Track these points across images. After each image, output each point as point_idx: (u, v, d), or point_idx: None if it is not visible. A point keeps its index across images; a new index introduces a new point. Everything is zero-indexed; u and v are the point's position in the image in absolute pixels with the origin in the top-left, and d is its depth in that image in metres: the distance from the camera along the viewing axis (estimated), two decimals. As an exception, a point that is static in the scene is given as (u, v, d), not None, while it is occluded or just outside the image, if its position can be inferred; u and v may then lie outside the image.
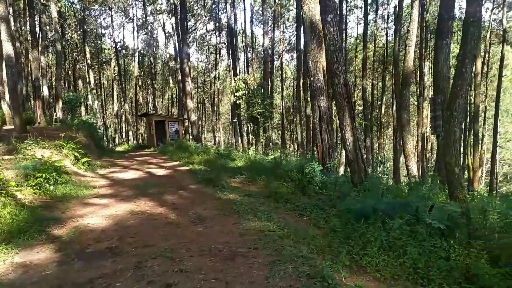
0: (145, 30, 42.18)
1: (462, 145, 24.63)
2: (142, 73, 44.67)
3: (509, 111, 37.67)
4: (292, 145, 39.95)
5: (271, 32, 33.15)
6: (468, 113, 22.41)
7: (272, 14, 32.92)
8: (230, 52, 30.21)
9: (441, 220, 4.38)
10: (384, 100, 30.17)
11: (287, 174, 8.90)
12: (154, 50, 45.63)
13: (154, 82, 43.94)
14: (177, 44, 32.81)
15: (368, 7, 25.69)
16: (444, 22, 7.99)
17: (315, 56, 9.62)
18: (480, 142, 27.24)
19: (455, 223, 4.26)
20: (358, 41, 33.44)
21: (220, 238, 5.43)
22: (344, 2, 28.43)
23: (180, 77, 31.37)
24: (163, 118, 27.71)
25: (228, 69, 40.41)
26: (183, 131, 28.14)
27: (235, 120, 26.66)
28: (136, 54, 40.19)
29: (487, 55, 27.92)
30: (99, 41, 40.23)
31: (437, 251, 4.01)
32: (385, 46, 29.61)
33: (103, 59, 41.88)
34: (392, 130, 29.03)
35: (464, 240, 4.06)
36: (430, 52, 26.63)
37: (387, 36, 29.98)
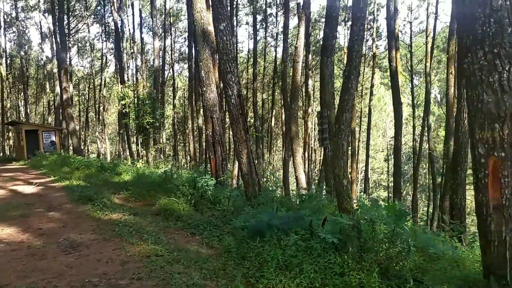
0: (16, 27, 36.96)
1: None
2: (11, 76, 38.91)
3: (377, 125, 42.83)
4: (185, 157, 38.97)
5: (162, 40, 32.08)
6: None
7: (163, 23, 31.92)
8: (117, 58, 28.22)
9: (334, 234, 4.35)
10: (274, 113, 31.54)
11: (178, 188, 8.30)
12: (27, 51, 40.27)
13: (26, 87, 38.60)
14: (55, 46, 29.39)
15: (258, 25, 26.67)
16: (329, 40, 8.46)
17: (207, 66, 9.30)
18: (356, 154, 30.30)
19: (347, 237, 4.27)
20: (249, 55, 34.48)
21: (96, 269, 4.59)
22: (235, 17, 29.06)
23: (58, 83, 28.06)
24: (36, 127, 24.37)
25: (115, 76, 37.73)
26: (61, 142, 25.11)
27: (122, 131, 24.80)
28: (4, 54, 34.84)
29: (360, 76, 31.41)
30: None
31: (332, 267, 3.93)
32: (274, 61, 31.06)
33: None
34: (282, 141, 30.46)
35: (357, 253, 4.07)
36: (312, 69, 28.78)
37: (276, 53, 31.53)
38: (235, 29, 30.49)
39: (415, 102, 30.27)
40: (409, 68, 26.83)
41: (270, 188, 9.89)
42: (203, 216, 7.16)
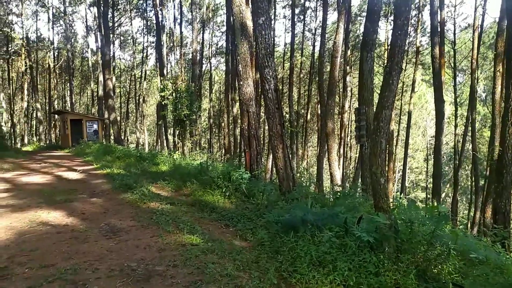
0: (63, 21, 38.76)
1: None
2: (58, 68, 40.94)
3: (417, 123, 41.41)
4: (219, 150, 39.52)
5: (200, 34, 32.55)
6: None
7: (202, 17, 32.36)
8: (158, 51, 28.95)
9: (370, 233, 4.27)
10: (309, 108, 31.23)
11: (213, 180, 8.44)
12: (73, 43, 42.18)
13: (72, 78, 40.51)
14: (99, 39, 30.58)
15: (296, 18, 26.41)
16: (369, 35, 8.24)
17: (245, 60, 9.34)
18: (394, 152, 29.46)
19: (383, 236, 4.18)
20: (286, 49, 34.25)
21: (135, 255, 4.78)
22: (272, 11, 28.95)
23: (101, 75, 29.23)
24: (80, 117, 25.54)
25: (155, 69, 38.74)
26: (103, 132, 26.18)
27: (160, 123, 25.48)
28: (52, 46, 36.69)
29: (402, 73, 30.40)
30: (7, 29, 35.95)
31: (367, 266, 3.87)
32: (312, 56, 30.71)
33: (12, 49, 37.53)
34: (317, 137, 30.12)
35: (393, 254, 3.98)
36: (351, 64, 28.17)
37: (313, 47, 31.13)
38: (272, 22, 30.42)
39: (458, 100, 28.96)
40: (452, 65, 25.65)
41: (304, 184, 9.83)
42: (237, 208, 7.25)
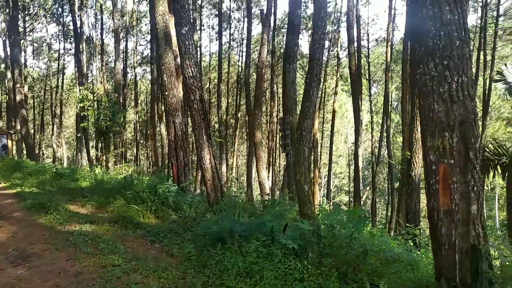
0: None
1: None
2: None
3: (339, 131, 43.93)
4: (147, 162, 38.06)
5: (124, 43, 31.30)
6: (312, 134, 25.17)
7: (124, 24, 31.16)
8: (76, 59, 27.17)
9: (295, 239, 4.39)
10: (238, 117, 31.50)
11: (138, 195, 8.07)
12: (-24, 49, 37.85)
13: (-26, 87, 36.20)
14: (8, 45, 27.85)
15: (222, 28, 26.65)
16: (291, 47, 8.59)
17: (169, 70, 9.15)
18: (319, 159, 30.89)
19: (307, 242, 4.31)
20: (213, 60, 34.36)
21: (48, 281, 4.36)
22: (198, 21, 28.92)
23: (11, 83, 26.56)
24: (-15, 130, 22.92)
25: (75, 77, 36.24)
26: (13, 147, 23.73)
27: (79, 135, 23.85)
28: None
29: (324, 83, 32.11)
30: None
31: (292, 273, 3.95)
32: (239, 66, 31.14)
33: None
34: (246, 147, 30.48)
35: (316, 259, 4.11)
36: (279, 75, 29.06)
37: (241, 57, 31.60)
38: (199, 32, 30.33)
39: (374, 109, 31.40)
40: (367, 77, 27.77)
41: (234, 194, 9.84)
42: (164, 223, 7.00)
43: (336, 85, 26.19)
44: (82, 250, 5.38)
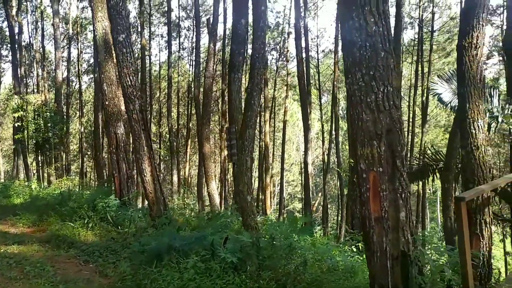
0: None
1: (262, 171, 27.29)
2: None
3: (291, 139, 44.67)
4: (92, 175, 36.27)
5: (67, 50, 29.85)
6: (263, 142, 25.32)
7: (67, 31, 29.78)
8: (13, 67, 25.40)
9: (235, 253, 4.27)
10: (189, 127, 31.00)
11: (74, 211, 7.57)
12: None
13: None
14: None
15: (171, 37, 26.23)
16: (236, 57, 8.56)
17: (110, 79, 8.76)
18: (271, 167, 31.14)
19: (247, 255, 4.21)
20: (163, 70, 33.68)
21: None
22: (147, 28, 28.29)
23: None
24: None
25: (13, 86, 33.82)
26: None
27: (14, 147, 22.22)
28: None
29: (275, 92, 32.59)
30: None
31: (230, 288, 3.82)
32: (189, 76, 30.79)
33: None
34: (198, 157, 29.98)
35: (255, 272, 4.02)
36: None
37: (191, 67, 31.25)
38: (148, 41, 29.63)
39: (324, 118, 32.27)
40: (317, 87, 28.56)
41: (179, 206, 9.56)
42: (101, 240, 6.59)
43: (286, 95, 26.61)
44: (5, 275, 4.89)
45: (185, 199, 16.64)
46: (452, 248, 4.33)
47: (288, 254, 4.32)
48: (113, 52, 8.79)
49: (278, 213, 29.42)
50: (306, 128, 18.55)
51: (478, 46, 5.46)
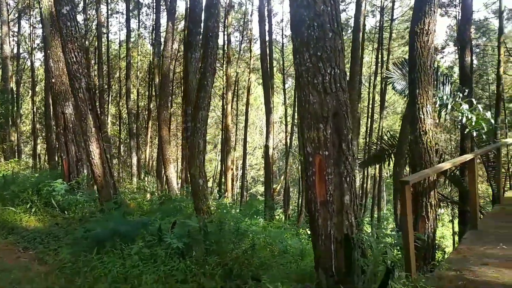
0: None
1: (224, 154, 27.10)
2: None
3: (254, 123, 44.66)
4: (45, 157, 34.60)
5: (16, 25, 27.87)
6: (225, 125, 25.08)
7: (17, 4, 27.76)
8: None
9: (182, 238, 4.13)
10: (151, 109, 30.13)
11: (16, 195, 7.11)
12: None
13: None
14: None
15: (130, 14, 25.08)
16: (193, 36, 8.25)
17: (56, 55, 8.19)
18: (234, 150, 31.06)
19: (193, 240, 4.09)
20: (122, 48, 32.30)
21: None
22: (105, 5, 26.90)
23: None
24: None
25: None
26: None
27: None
28: None
29: (238, 76, 32.25)
30: None
31: (175, 274, 3.70)
32: (150, 56, 29.71)
33: None
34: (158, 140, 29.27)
35: (201, 257, 3.91)
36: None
37: (152, 46, 30.16)
38: (108, 18, 28.19)
39: (288, 102, 32.37)
40: (282, 71, 28.53)
41: (140, 189, 9.25)
42: (44, 226, 6.23)
43: (249, 77, 26.39)
44: None
45: (145, 182, 16.23)
46: (398, 230, 4.43)
47: (237, 238, 4.24)
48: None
49: (240, 196, 29.59)
50: (268, 111, 18.51)
51: (429, 32, 5.54)
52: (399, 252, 4.34)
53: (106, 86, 28.34)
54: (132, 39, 29.06)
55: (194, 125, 5.66)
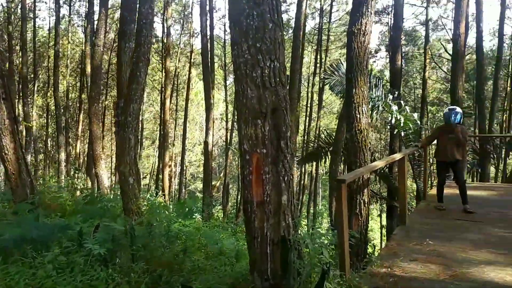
0: None
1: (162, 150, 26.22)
2: None
3: (194, 119, 43.86)
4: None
5: None
6: (163, 120, 24.17)
7: None
8: None
9: (105, 243, 3.73)
10: (83, 101, 28.16)
11: None
12: None
13: None
14: None
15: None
16: (127, 25, 7.67)
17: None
18: (172, 146, 30.15)
19: (118, 245, 3.71)
20: (51, 34, 29.81)
21: None
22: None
23: None
24: None
25: None
26: None
27: None
28: None
29: (179, 70, 31.34)
30: None
31: (95, 285, 3.31)
32: (82, 45, 27.74)
33: None
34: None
35: (126, 264, 3.55)
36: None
37: (84, 34, 28.18)
38: (35, 2, 25.77)
39: (229, 99, 32.13)
40: (223, 67, 28.22)
41: (67, 187, 8.46)
42: None
43: (189, 72, 25.76)
44: None
45: (75, 180, 15.04)
46: (333, 228, 4.42)
47: (168, 241, 3.94)
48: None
49: (178, 194, 28.82)
50: (208, 107, 18.16)
51: (366, 33, 5.64)
52: (334, 249, 4.34)
53: (32, 75, 25.99)
54: (62, 26, 26.95)
55: (125, 118, 5.22)
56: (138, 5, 6.61)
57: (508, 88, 22.56)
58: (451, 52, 19.32)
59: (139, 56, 5.16)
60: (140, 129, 27.91)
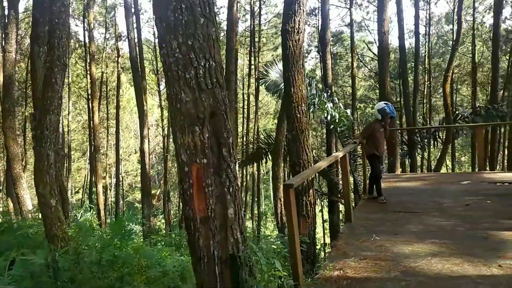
0: None
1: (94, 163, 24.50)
2: None
3: (128, 127, 41.84)
4: None
5: None
6: (92, 130, 22.58)
7: None
8: None
9: (22, 281, 3.15)
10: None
11: None
12: None
13: None
14: None
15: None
16: (40, 27, 6.87)
17: None
18: (106, 157, 28.40)
19: (39, 282, 3.14)
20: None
21: None
22: None
23: None
24: None
25: None
26: None
27: None
28: None
29: (108, 76, 29.62)
30: None
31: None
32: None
33: None
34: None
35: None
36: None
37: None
38: None
39: (164, 104, 31.03)
40: (155, 72, 27.20)
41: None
42: None
43: (118, 78, 24.44)
44: None
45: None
46: (282, 235, 4.22)
47: (100, 270, 3.44)
48: None
49: (115, 206, 27.17)
50: (142, 114, 17.28)
51: (300, 31, 5.54)
52: (285, 255, 4.15)
53: None
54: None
55: (41, 132, 4.57)
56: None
57: (427, 83, 24.48)
58: (375, 52, 20.46)
59: (53, 61, 4.54)
60: (67, 141, 25.84)
